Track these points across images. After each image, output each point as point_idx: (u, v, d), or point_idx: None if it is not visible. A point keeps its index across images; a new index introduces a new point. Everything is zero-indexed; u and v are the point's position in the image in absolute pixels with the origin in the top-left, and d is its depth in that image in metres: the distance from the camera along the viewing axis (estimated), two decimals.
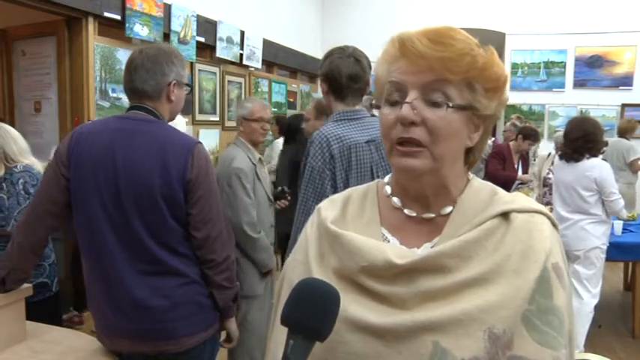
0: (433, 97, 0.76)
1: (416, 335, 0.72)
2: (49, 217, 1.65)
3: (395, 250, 0.78)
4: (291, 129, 4.43)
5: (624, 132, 5.94)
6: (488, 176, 4.82)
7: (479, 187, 0.85)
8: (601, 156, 5.68)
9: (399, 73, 0.78)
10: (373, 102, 0.86)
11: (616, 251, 3.76)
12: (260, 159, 2.84)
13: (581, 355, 2.01)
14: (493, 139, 6.23)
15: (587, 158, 3.41)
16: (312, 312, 0.65)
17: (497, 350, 0.70)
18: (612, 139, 5.79)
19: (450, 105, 0.76)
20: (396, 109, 0.78)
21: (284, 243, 3.21)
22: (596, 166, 3.39)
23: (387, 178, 0.91)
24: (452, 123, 0.76)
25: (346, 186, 1.78)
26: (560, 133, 5.18)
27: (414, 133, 0.76)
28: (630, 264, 4.40)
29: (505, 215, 0.78)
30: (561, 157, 3.58)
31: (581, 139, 3.41)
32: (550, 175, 4.75)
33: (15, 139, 2.56)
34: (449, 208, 0.82)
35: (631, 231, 4.02)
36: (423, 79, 0.76)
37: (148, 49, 1.69)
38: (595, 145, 3.43)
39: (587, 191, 3.39)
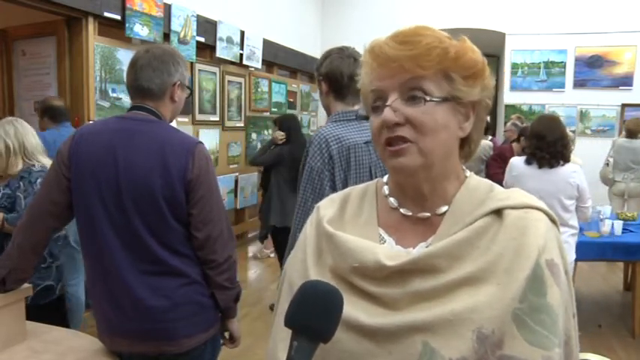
0: (412, 95, 0.77)
1: (406, 335, 0.72)
2: (49, 217, 1.65)
3: (387, 252, 0.78)
4: (287, 129, 4.43)
5: (634, 133, 5.65)
6: (489, 179, 4.78)
7: (476, 185, 0.84)
8: (612, 159, 5.68)
9: (377, 81, 0.79)
10: (359, 113, 0.88)
11: (616, 251, 3.76)
12: None
13: (581, 355, 2.00)
14: (490, 138, 6.21)
15: (562, 164, 3.07)
16: (316, 314, 0.65)
17: (487, 350, 0.70)
18: (621, 139, 5.74)
19: (427, 99, 0.77)
20: (379, 114, 0.79)
21: None
22: (577, 172, 3.08)
23: (385, 178, 0.91)
24: (436, 116, 0.77)
25: (345, 186, 1.78)
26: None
27: (400, 132, 0.77)
28: (630, 264, 4.39)
29: (498, 212, 0.78)
30: (529, 162, 3.14)
31: (560, 142, 3.06)
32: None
33: (33, 134, 2.57)
34: (444, 208, 0.82)
35: (631, 231, 4.01)
36: (398, 80, 0.77)
37: (154, 49, 1.70)
38: (568, 150, 3.11)
39: (570, 199, 3.08)
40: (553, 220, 0.80)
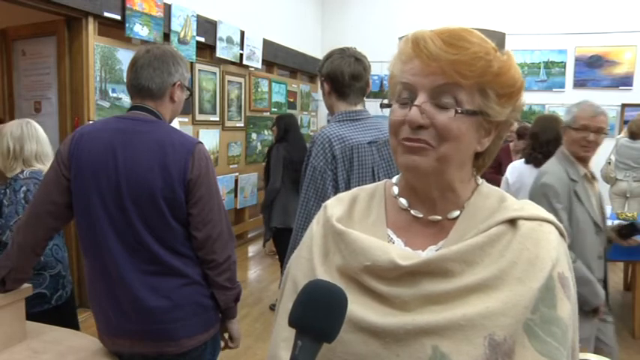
0: (442, 101, 0.75)
1: (415, 338, 0.71)
2: (49, 217, 1.65)
3: (399, 252, 0.77)
4: (284, 128, 4.38)
5: (637, 134, 5.54)
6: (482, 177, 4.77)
7: (487, 192, 0.84)
8: (613, 157, 5.66)
9: (411, 75, 0.77)
10: (383, 102, 0.85)
11: (616, 251, 3.75)
12: (586, 174, 2.33)
13: (581, 355, 1.99)
14: None
15: None
16: (320, 314, 0.65)
17: (498, 357, 0.69)
18: (624, 139, 5.72)
19: (459, 111, 0.75)
20: (405, 109, 0.77)
21: None
22: None
23: (395, 179, 0.90)
24: (460, 127, 0.75)
25: (347, 186, 1.78)
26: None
27: (422, 135, 0.75)
28: (630, 264, 4.39)
29: (512, 222, 0.77)
30: (528, 162, 3.17)
31: (553, 144, 3.05)
32: None
33: (39, 140, 2.47)
34: (456, 212, 0.81)
35: None
36: (433, 82, 0.75)
37: (155, 49, 1.70)
38: None
39: None
40: (562, 234, 0.80)
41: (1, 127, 2.53)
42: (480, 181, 0.86)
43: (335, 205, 0.87)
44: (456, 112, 0.75)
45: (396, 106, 0.79)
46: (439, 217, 0.82)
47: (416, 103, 0.75)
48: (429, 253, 0.79)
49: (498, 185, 3.73)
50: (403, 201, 0.85)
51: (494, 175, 4.79)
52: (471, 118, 0.76)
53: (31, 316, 1.97)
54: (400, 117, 0.77)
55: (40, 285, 2.34)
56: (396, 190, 0.87)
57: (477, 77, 0.74)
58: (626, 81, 7.57)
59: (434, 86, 0.75)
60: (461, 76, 0.74)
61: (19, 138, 2.43)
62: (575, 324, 0.77)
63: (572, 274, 0.78)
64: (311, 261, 0.83)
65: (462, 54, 0.74)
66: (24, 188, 2.33)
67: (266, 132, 6.83)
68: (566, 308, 0.74)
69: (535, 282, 0.72)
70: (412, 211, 0.84)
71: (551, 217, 0.80)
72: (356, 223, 0.85)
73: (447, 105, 0.75)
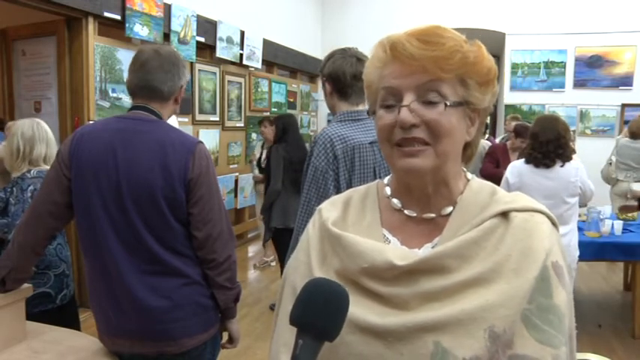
0: (429, 98, 0.77)
1: (417, 336, 0.72)
2: (49, 217, 1.65)
3: (396, 252, 0.78)
4: (283, 128, 4.34)
5: (638, 135, 5.53)
6: (481, 175, 4.82)
7: (479, 187, 0.85)
8: (614, 157, 5.67)
9: (392, 78, 0.78)
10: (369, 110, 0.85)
11: (616, 251, 3.76)
12: None
13: (581, 355, 1.99)
14: (487, 137, 6.22)
15: (561, 166, 3.10)
16: (321, 312, 0.65)
17: (498, 349, 0.70)
18: (624, 140, 5.72)
19: (448, 104, 0.77)
20: (392, 113, 0.78)
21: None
22: (578, 169, 3.13)
23: (386, 180, 0.91)
24: (451, 120, 0.77)
25: (349, 186, 1.78)
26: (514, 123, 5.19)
27: (415, 134, 0.77)
28: (630, 264, 4.39)
29: (505, 215, 0.78)
30: (528, 162, 3.20)
31: (553, 143, 3.11)
32: None
33: (49, 143, 2.47)
34: (449, 209, 0.82)
35: (631, 231, 4.01)
36: (417, 81, 0.76)
37: (161, 50, 1.71)
38: (565, 150, 3.13)
39: (573, 197, 3.12)
40: (554, 223, 0.81)
41: (11, 124, 2.53)
42: (470, 176, 0.87)
43: (329, 209, 0.88)
44: (446, 105, 0.76)
45: (382, 111, 0.80)
46: (433, 215, 0.83)
47: (404, 103, 0.77)
48: (425, 250, 0.80)
49: (499, 180, 3.79)
50: (396, 201, 0.86)
51: (494, 170, 4.85)
52: (458, 110, 0.78)
53: (33, 315, 1.97)
54: (389, 121, 0.78)
55: (44, 284, 2.34)
56: (388, 190, 0.88)
57: (456, 69, 0.77)
58: (626, 81, 7.57)
59: (418, 85, 0.76)
60: (442, 70, 0.76)
61: (30, 139, 2.42)
62: (571, 311, 0.78)
63: (566, 263, 0.79)
64: (309, 264, 0.84)
65: (440, 50, 0.76)
66: (31, 187, 2.33)
67: None
68: (562, 296, 0.75)
69: (530, 272, 0.74)
70: (406, 211, 0.84)
71: (542, 207, 0.81)
72: (350, 226, 0.85)
73: (434, 101, 0.77)
